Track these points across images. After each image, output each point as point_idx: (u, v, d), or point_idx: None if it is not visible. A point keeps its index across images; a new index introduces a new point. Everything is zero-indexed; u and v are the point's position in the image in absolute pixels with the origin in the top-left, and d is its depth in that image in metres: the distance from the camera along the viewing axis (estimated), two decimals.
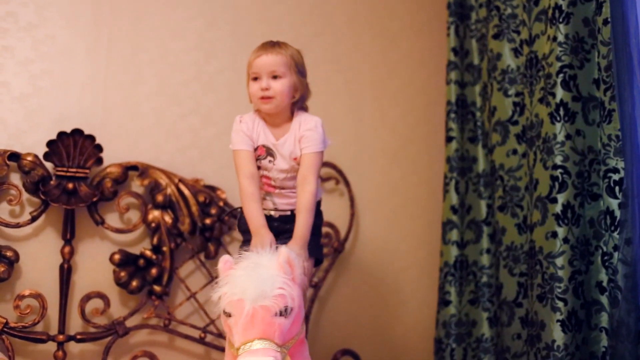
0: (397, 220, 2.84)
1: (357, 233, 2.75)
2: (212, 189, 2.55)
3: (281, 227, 2.05)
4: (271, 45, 2.05)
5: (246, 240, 2.04)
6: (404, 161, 2.88)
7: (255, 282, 1.64)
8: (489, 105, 2.53)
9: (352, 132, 2.81)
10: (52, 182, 2.35)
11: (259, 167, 2.06)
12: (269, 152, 2.05)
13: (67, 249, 2.36)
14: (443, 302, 2.59)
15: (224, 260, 1.73)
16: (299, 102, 2.11)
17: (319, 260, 2.11)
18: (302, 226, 1.97)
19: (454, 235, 2.60)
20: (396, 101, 2.90)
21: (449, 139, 2.65)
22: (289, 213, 2.06)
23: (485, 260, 2.56)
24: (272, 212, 2.07)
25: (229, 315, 1.70)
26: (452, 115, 2.65)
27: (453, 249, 2.59)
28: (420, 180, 2.88)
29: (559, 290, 2.05)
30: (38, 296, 2.28)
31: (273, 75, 2.01)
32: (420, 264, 2.84)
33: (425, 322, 2.77)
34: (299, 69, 2.07)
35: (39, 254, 2.37)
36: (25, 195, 2.34)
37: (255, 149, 2.06)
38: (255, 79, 2.03)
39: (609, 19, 2.04)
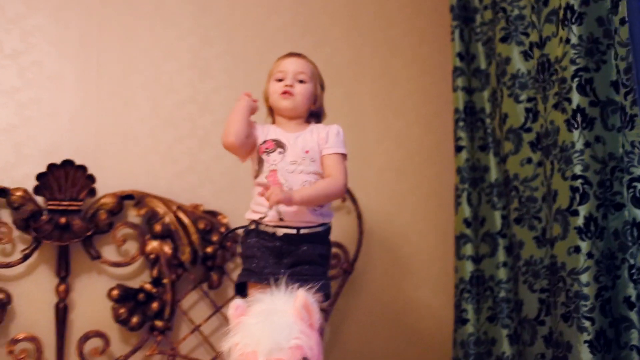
0: (407, 236, 2.71)
1: (367, 252, 2.63)
2: (213, 214, 2.44)
3: (284, 249, 1.90)
4: (299, 53, 2.08)
5: (246, 269, 1.92)
6: (411, 174, 2.75)
7: (269, 331, 1.49)
8: (499, 112, 2.40)
9: (356, 146, 2.68)
10: (43, 217, 2.24)
11: (263, 163, 1.94)
12: (279, 145, 1.95)
13: (62, 287, 2.25)
14: (460, 321, 2.46)
15: (235, 306, 1.58)
16: (315, 116, 2.08)
17: (326, 296, 1.93)
18: (303, 191, 1.87)
19: (468, 249, 2.47)
20: (400, 111, 2.78)
21: (458, 149, 2.53)
22: (294, 232, 1.89)
23: (502, 274, 2.42)
24: (276, 230, 1.89)
25: None
26: (461, 123, 2.53)
27: (468, 264, 2.46)
28: (430, 192, 2.76)
29: (585, 309, 1.92)
30: (33, 339, 2.17)
31: (298, 78, 2.00)
32: (433, 280, 2.71)
33: (442, 342, 2.64)
34: (321, 84, 2.10)
35: (32, 294, 2.27)
36: (16, 232, 2.24)
37: (263, 143, 1.96)
38: (279, 80, 2.01)
39: (626, 18, 1.92)
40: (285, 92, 1.98)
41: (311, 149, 1.95)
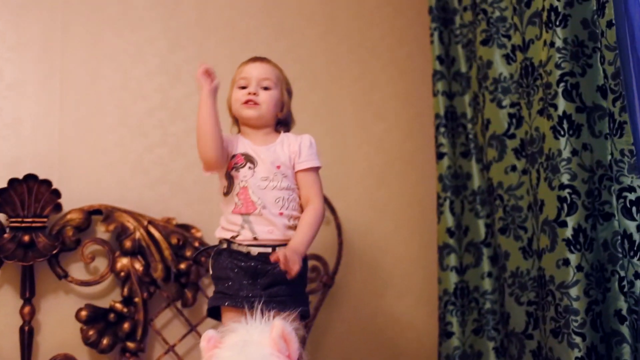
0: (388, 246, 2.63)
1: (347, 263, 2.54)
2: (186, 227, 2.33)
3: (261, 269, 1.78)
4: (263, 57, 1.97)
5: (219, 292, 1.81)
6: (392, 180, 2.67)
7: None
8: (481, 117, 2.32)
9: (334, 152, 2.60)
10: (5, 236, 2.12)
11: (233, 180, 1.84)
12: (249, 159, 1.84)
13: (27, 309, 2.13)
14: (445, 334, 2.38)
15: (207, 338, 1.47)
16: (284, 124, 1.96)
17: (305, 316, 1.85)
18: (300, 237, 1.79)
19: (452, 260, 2.40)
20: (380, 115, 2.69)
21: (440, 156, 2.45)
22: (270, 250, 1.79)
23: (487, 284, 2.36)
24: (250, 249, 1.79)
25: None
26: (442, 129, 2.45)
27: (452, 275, 2.39)
28: (411, 200, 2.68)
29: (576, 324, 1.85)
30: None
31: (263, 85, 1.89)
32: (416, 291, 2.64)
33: (426, 356, 2.56)
34: (288, 90, 1.98)
35: None
36: None
37: (232, 158, 1.85)
38: (243, 87, 1.90)
39: (614, 21, 1.85)
40: (248, 101, 1.87)
41: (282, 163, 1.85)
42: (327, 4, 2.69)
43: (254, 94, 1.87)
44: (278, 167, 1.84)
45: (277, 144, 1.89)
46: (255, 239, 1.79)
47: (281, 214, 1.81)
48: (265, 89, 1.89)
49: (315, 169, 1.90)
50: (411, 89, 2.73)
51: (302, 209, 1.87)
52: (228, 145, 1.87)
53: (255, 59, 1.95)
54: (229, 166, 1.85)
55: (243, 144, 1.88)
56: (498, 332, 2.31)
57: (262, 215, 1.80)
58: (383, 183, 2.66)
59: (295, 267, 1.71)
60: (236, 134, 1.95)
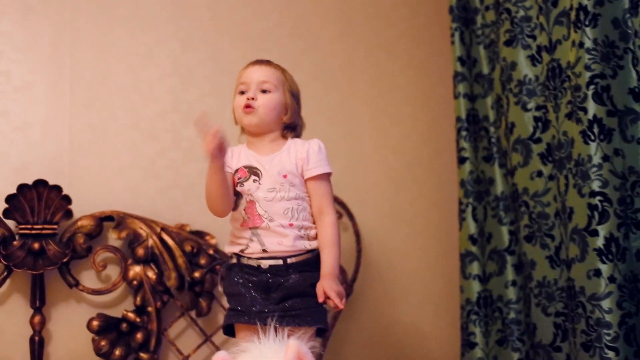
0: (408, 253, 2.56)
1: (365, 271, 2.47)
2: (200, 234, 2.27)
3: (273, 282, 1.71)
4: (265, 60, 1.88)
5: (231, 309, 1.75)
6: (411, 185, 2.60)
7: None
8: (505, 120, 2.25)
9: (352, 157, 2.53)
10: (15, 243, 2.06)
11: (239, 195, 1.77)
12: (253, 172, 1.76)
13: (37, 319, 2.07)
14: (468, 344, 2.31)
15: (218, 359, 1.40)
16: (291, 129, 1.86)
17: (323, 330, 1.77)
18: (330, 260, 1.73)
19: (474, 268, 2.32)
20: (398, 119, 2.62)
21: (461, 160, 2.37)
22: (281, 262, 1.72)
23: (511, 293, 2.28)
24: (261, 262, 1.72)
25: None
26: (464, 133, 2.37)
27: (475, 284, 2.31)
28: (431, 205, 2.61)
29: (608, 338, 1.78)
30: None
31: (262, 89, 1.80)
32: (437, 299, 2.57)
33: None
34: (293, 92, 1.86)
35: (5, 326, 2.10)
36: None
37: (235, 172, 1.77)
38: (242, 92, 1.81)
39: None
40: (246, 107, 1.78)
41: (289, 172, 1.76)
42: (343, 4, 2.61)
43: (252, 98, 1.78)
44: (285, 176, 1.75)
45: (283, 151, 1.80)
46: (264, 251, 1.72)
47: (291, 225, 1.74)
48: (265, 91, 1.80)
49: (326, 176, 1.81)
50: (430, 91, 2.66)
51: (313, 218, 1.79)
52: (231, 160, 1.79)
53: (255, 62, 1.86)
54: (233, 182, 1.77)
55: (246, 156, 1.80)
56: (523, 343, 2.24)
57: (269, 229, 1.73)
58: (402, 188, 2.59)
59: (341, 297, 1.67)
60: (242, 144, 1.86)
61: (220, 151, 1.66)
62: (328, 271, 1.71)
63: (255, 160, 1.78)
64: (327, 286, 1.67)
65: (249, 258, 1.73)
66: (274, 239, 1.72)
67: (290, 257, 1.73)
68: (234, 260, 1.77)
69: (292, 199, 1.75)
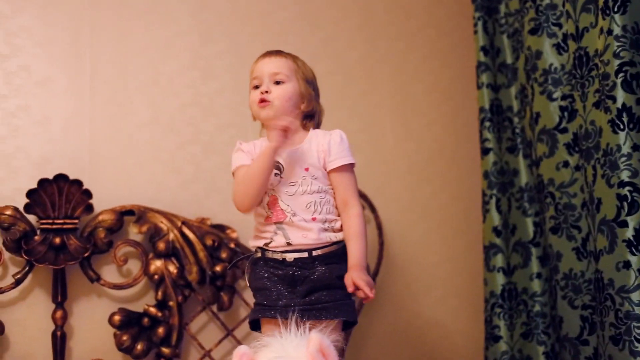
0: (431, 245, 2.53)
1: (388, 264, 2.44)
2: (221, 228, 2.25)
3: (299, 275, 1.69)
4: (275, 51, 1.84)
5: (258, 304, 1.72)
6: (434, 177, 2.57)
7: None
8: (530, 110, 2.20)
9: (373, 149, 2.50)
10: (36, 238, 2.05)
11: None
12: (275, 166, 1.72)
13: (59, 313, 2.06)
14: (492, 338, 2.27)
15: (239, 354, 1.36)
16: (312, 120, 1.83)
17: (351, 322, 1.74)
18: (357, 252, 1.70)
19: (498, 260, 2.28)
20: (420, 110, 2.59)
21: (485, 151, 2.33)
22: (306, 255, 1.69)
23: (536, 286, 2.24)
24: (286, 255, 1.69)
25: None
26: (487, 123, 2.33)
27: (499, 277, 2.27)
28: (454, 197, 2.57)
29: (639, 331, 1.74)
30: None
31: (275, 80, 1.77)
32: (460, 292, 2.53)
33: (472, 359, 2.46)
34: (308, 79, 1.82)
35: (27, 321, 2.09)
36: (7, 255, 2.05)
37: None
38: (256, 87, 1.78)
39: None
40: (261, 101, 1.75)
41: (311, 164, 1.73)
42: None
43: (267, 92, 1.75)
44: (306, 169, 1.73)
45: (304, 144, 1.76)
46: (289, 244, 1.70)
47: (314, 219, 1.71)
48: (278, 83, 1.77)
49: (349, 166, 1.77)
50: (452, 82, 2.62)
51: (337, 210, 1.76)
52: (253, 153, 1.77)
53: (265, 54, 1.82)
54: None
55: None
56: (548, 336, 2.20)
57: (293, 223, 1.70)
58: (424, 180, 2.56)
59: (371, 287, 1.64)
60: (263, 137, 1.83)
61: (285, 132, 1.68)
62: (356, 262, 1.68)
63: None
64: (356, 276, 1.64)
65: (274, 252, 1.71)
66: (298, 232, 1.70)
67: (315, 249, 1.70)
68: (259, 255, 1.75)
69: (315, 193, 1.72)
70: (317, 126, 1.85)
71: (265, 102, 1.75)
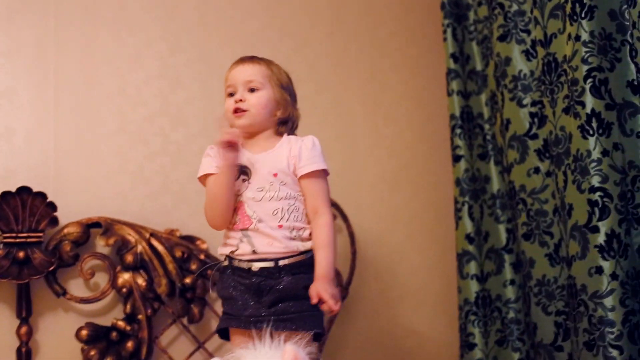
0: (403, 254, 2.52)
1: (361, 273, 2.42)
2: (190, 239, 2.21)
3: (264, 285, 1.65)
4: (248, 58, 1.82)
5: (225, 313, 1.69)
6: (406, 185, 2.55)
7: None
8: (500, 117, 2.20)
9: (345, 157, 2.48)
10: None
11: None
12: (242, 172, 1.70)
13: (23, 329, 2.01)
14: (467, 345, 2.26)
15: None
16: (287, 126, 1.80)
17: (319, 335, 1.70)
18: (324, 262, 1.66)
19: (472, 268, 2.28)
20: (392, 118, 2.58)
21: (456, 158, 2.33)
22: (272, 264, 1.65)
23: (510, 293, 2.24)
24: (252, 264, 1.66)
25: None
26: (458, 130, 2.33)
27: (473, 284, 2.27)
28: (426, 205, 2.56)
29: (612, 337, 1.73)
30: None
31: (250, 88, 1.74)
32: (434, 300, 2.52)
33: None
34: (283, 85, 1.79)
35: None
36: None
37: None
38: (231, 95, 1.75)
39: None
40: (236, 110, 1.73)
41: (280, 170, 1.70)
42: (334, 2, 2.57)
43: (241, 100, 1.73)
44: (275, 175, 1.70)
45: (275, 149, 1.74)
46: (254, 252, 1.66)
47: (280, 226, 1.67)
48: (252, 90, 1.74)
49: (320, 173, 1.73)
50: (423, 89, 2.62)
51: (307, 218, 1.73)
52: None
53: (239, 61, 1.80)
54: None
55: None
56: (523, 342, 2.19)
57: (258, 230, 1.67)
58: (396, 188, 2.54)
59: (336, 299, 1.61)
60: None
61: (230, 147, 1.63)
62: (322, 273, 1.65)
63: (246, 159, 1.72)
64: (321, 288, 1.61)
65: (240, 260, 1.68)
66: (263, 240, 1.67)
67: (282, 258, 1.66)
68: (226, 263, 1.72)
69: (283, 199, 1.69)
70: (293, 131, 1.83)
71: (240, 112, 1.72)
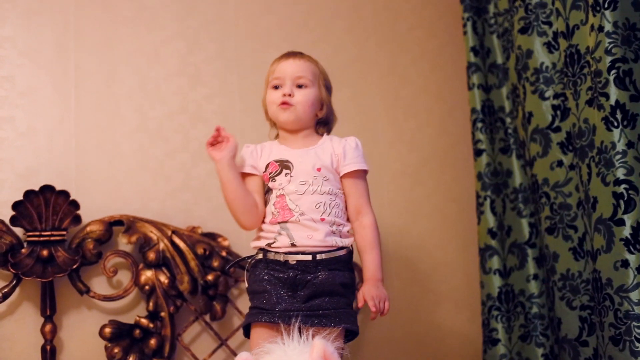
0: (425, 249, 2.50)
1: (383, 269, 2.39)
2: (212, 236, 2.21)
3: (299, 279, 1.64)
4: (298, 53, 1.82)
5: (255, 307, 1.68)
6: (427, 180, 2.54)
7: None
8: (522, 110, 2.18)
9: (365, 152, 2.39)
10: (23, 251, 2.01)
11: (270, 191, 1.71)
12: (284, 165, 1.70)
13: (48, 327, 2.02)
14: (490, 341, 2.24)
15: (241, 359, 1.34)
16: (326, 126, 1.83)
17: (353, 332, 1.68)
18: (372, 264, 1.70)
19: (495, 262, 2.26)
20: (412, 112, 2.56)
21: (478, 152, 2.31)
22: (309, 258, 1.64)
23: (533, 287, 2.21)
24: (289, 257, 1.64)
25: None
26: (479, 124, 2.31)
27: (495, 279, 2.25)
28: (448, 199, 2.54)
29: (639, 331, 1.71)
30: None
31: (298, 83, 1.75)
32: (456, 295, 2.50)
33: None
34: (327, 85, 1.82)
35: (16, 335, 2.05)
36: None
37: (266, 168, 1.72)
38: (276, 87, 1.75)
39: None
40: (283, 103, 1.73)
41: (324, 166, 1.71)
42: None
43: (289, 94, 1.73)
44: (319, 169, 1.70)
45: (318, 146, 1.75)
46: (293, 244, 1.65)
47: (323, 219, 1.67)
48: (300, 87, 1.74)
49: (362, 173, 1.76)
50: (443, 83, 2.60)
51: (347, 217, 1.73)
52: (257, 157, 1.75)
53: (289, 55, 1.79)
54: (264, 178, 1.72)
55: (279, 151, 1.75)
56: (547, 337, 2.17)
57: (299, 222, 1.66)
58: (417, 183, 2.53)
59: (385, 303, 1.65)
60: (273, 139, 1.82)
61: (212, 146, 1.68)
62: (369, 275, 1.68)
63: (287, 154, 1.73)
64: (366, 291, 1.64)
65: (276, 253, 1.67)
66: (303, 232, 1.66)
67: (319, 253, 1.66)
68: (260, 256, 1.70)
69: (325, 194, 1.69)
70: (329, 126, 1.85)
71: (287, 105, 1.73)
